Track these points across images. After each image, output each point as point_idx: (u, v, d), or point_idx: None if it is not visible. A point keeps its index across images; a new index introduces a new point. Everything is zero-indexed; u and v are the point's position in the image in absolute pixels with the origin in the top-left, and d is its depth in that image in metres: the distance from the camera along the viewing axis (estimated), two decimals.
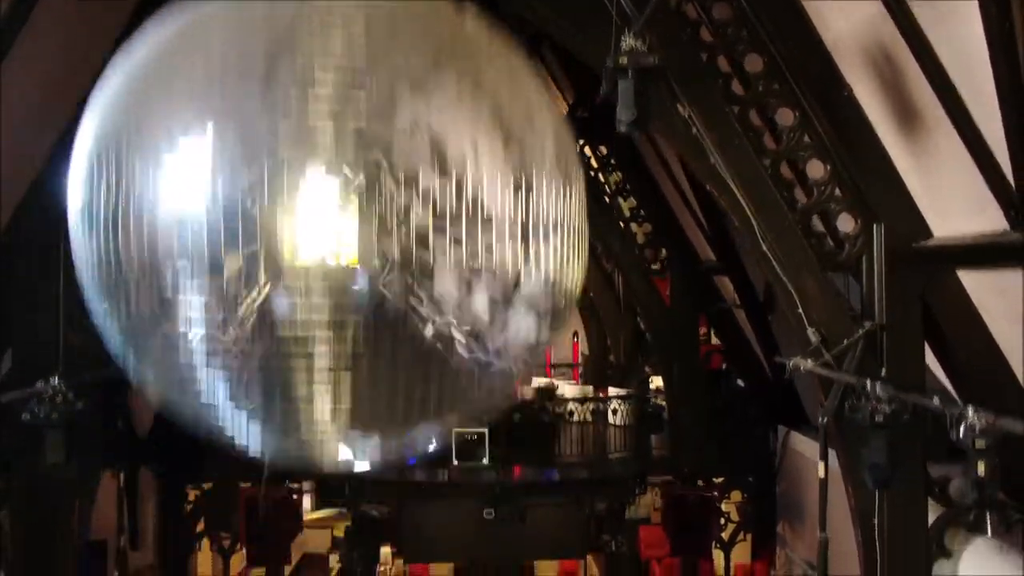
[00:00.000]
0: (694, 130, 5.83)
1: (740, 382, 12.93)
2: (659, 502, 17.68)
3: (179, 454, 11.72)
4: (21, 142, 5.62)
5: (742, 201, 5.90)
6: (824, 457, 6.26)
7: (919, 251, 5.88)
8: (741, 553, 15.51)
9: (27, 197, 5.81)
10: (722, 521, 12.11)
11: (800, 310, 5.96)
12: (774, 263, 5.93)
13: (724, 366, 13.82)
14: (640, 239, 12.22)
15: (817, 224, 6.22)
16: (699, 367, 12.22)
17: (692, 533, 11.13)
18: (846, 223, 6.16)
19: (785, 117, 6.00)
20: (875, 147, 5.92)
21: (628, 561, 17.39)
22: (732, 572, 13.53)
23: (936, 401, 5.63)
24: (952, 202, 5.66)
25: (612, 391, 14.04)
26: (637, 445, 12.39)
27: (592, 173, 12.16)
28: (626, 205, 12.34)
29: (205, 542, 12.30)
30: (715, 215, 10.58)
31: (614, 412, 13.19)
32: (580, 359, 22.39)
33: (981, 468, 3.75)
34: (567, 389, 15.40)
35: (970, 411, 3.88)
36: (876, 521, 6.03)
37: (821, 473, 6.17)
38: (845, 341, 5.89)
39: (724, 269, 11.15)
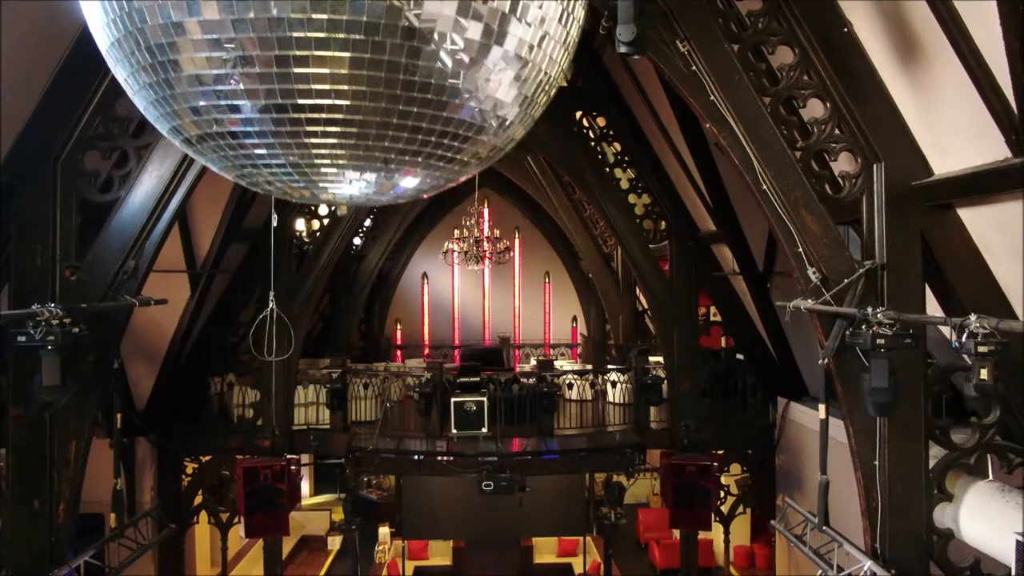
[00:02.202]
0: (694, 66, 5.81)
1: (739, 356, 12.89)
2: (658, 487, 17.69)
3: (177, 426, 11.72)
4: (17, 79, 5.60)
5: (742, 138, 5.88)
6: (825, 400, 6.25)
7: (919, 189, 5.86)
8: (740, 532, 15.53)
9: (23, 133, 5.78)
10: (721, 494, 12.04)
11: (800, 249, 5.94)
12: (774, 201, 5.91)
13: (724, 342, 13.80)
14: (639, 210, 12.20)
15: (818, 165, 6.22)
16: (698, 338, 12.17)
17: (691, 501, 11.05)
18: (847, 163, 6.14)
19: (785, 55, 5.98)
20: (876, 85, 5.91)
21: (628, 539, 17.41)
22: (731, 552, 13.48)
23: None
24: (952, 137, 5.64)
25: (611, 367, 14.03)
26: (636, 417, 12.35)
27: (591, 144, 12.14)
28: (625, 176, 12.32)
29: (203, 515, 12.23)
30: (715, 182, 10.57)
31: (613, 384, 13.17)
32: (579, 339, 22.39)
33: (983, 373, 3.72)
34: (566, 365, 15.38)
35: (973, 317, 3.85)
36: (876, 463, 6.01)
37: (822, 414, 6.16)
38: (846, 280, 5.87)
39: (723, 238, 11.12)
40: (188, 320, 11.00)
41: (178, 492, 11.86)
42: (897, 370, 4.98)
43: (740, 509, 12.45)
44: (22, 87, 5.61)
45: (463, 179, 2.06)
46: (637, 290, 17.72)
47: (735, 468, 12.52)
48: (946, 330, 6.27)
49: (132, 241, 5.87)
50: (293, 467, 11.45)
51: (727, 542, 12.49)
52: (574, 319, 23.04)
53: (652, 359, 13.68)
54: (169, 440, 11.60)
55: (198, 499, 12.05)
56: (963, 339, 3.87)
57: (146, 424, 11.18)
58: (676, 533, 14.19)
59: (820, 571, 6.29)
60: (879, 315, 4.88)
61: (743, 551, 15.94)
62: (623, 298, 18.25)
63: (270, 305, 3.92)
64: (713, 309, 15.55)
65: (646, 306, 16.60)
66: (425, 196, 2.22)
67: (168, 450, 11.72)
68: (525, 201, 21.64)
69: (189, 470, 12.03)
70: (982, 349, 3.75)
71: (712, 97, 5.89)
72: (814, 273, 5.92)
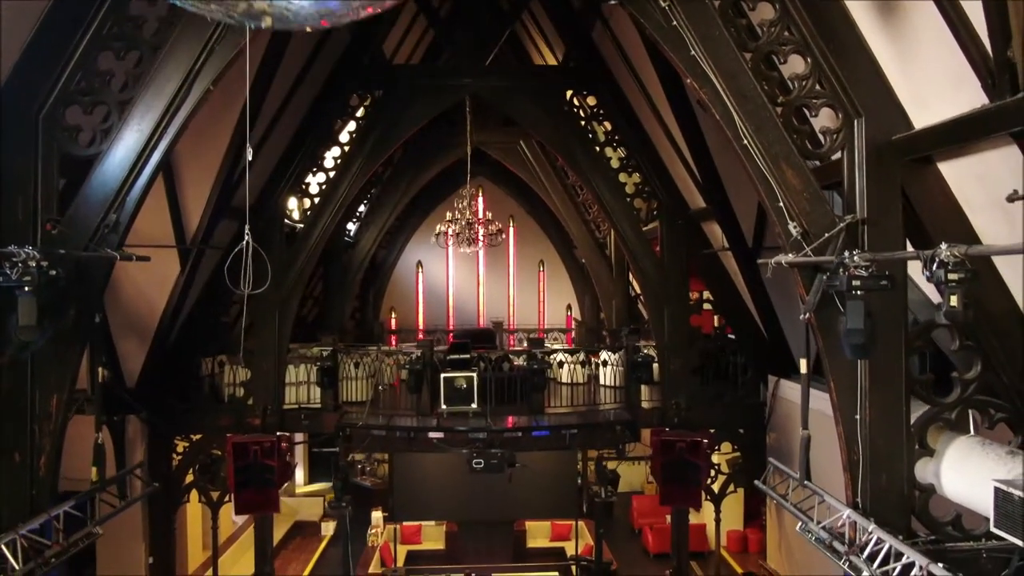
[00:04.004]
0: (674, 21, 5.83)
1: (731, 336, 12.90)
2: (651, 475, 17.72)
3: (167, 404, 11.71)
4: None
5: (723, 93, 5.90)
6: (807, 355, 6.25)
7: (899, 143, 5.88)
8: (734, 517, 15.54)
9: (5, 87, 5.79)
10: (712, 473, 12.04)
11: (781, 203, 5.95)
12: (755, 155, 5.92)
13: (716, 321, 13.80)
14: (630, 189, 12.21)
15: (799, 122, 6.23)
16: (689, 317, 12.18)
17: (682, 478, 11.04)
18: (828, 120, 6.16)
19: (765, 11, 6.00)
20: (856, 40, 5.92)
21: (621, 524, 17.46)
22: (722, 533, 13.45)
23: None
24: (932, 91, 5.65)
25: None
26: (627, 395, 12.35)
27: (581, 123, 12.16)
28: (615, 155, 12.33)
29: (193, 496, 12.21)
30: (705, 157, 10.58)
31: (604, 364, 13.17)
32: (574, 325, 22.45)
33: (954, 300, 3.74)
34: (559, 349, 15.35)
35: (943, 245, 3.87)
36: (858, 417, 6.02)
37: (803, 369, 6.17)
38: (827, 235, 5.88)
39: (713, 214, 11.13)
40: (178, 297, 10.99)
41: (168, 471, 11.83)
42: (873, 312, 5.00)
43: (731, 488, 12.44)
44: (3, 41, 5.62)
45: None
46: (630, 276, 17.73)
47: (726, 447, 12.53)
48: (922, 283, 6.29)
49: (113, 195, 5.87)
50: (284, 444, 11.45)
51: (718, 521, 12.47)
52: (569, 307, 23.07)
53: (644, 342, 13.69)
54: (160, 418, 11.58)
55: (189, 478, 12.03)
56: (934, 268, 3.89)
57: (137, 401, 11.16)
58: (669, 519, 14.21)
59: (800, 523, 6.30)
60: (855, 257, 4.89)
61: (736, 535, 15.95)
62: (616, 284, 18.27)
63: (246, 239, 3.93)
64: (706, 294, 15.56)
65: (639, 291, 16.61)
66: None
67: (158, 428, 11.70)
68: (520, 190, 21.66)
69: (180, 449, 12.01)
70: (952, 277, 3.77)
71: (693, 52, 5.92)
72: (795, 227, 5.93)
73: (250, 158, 4.55)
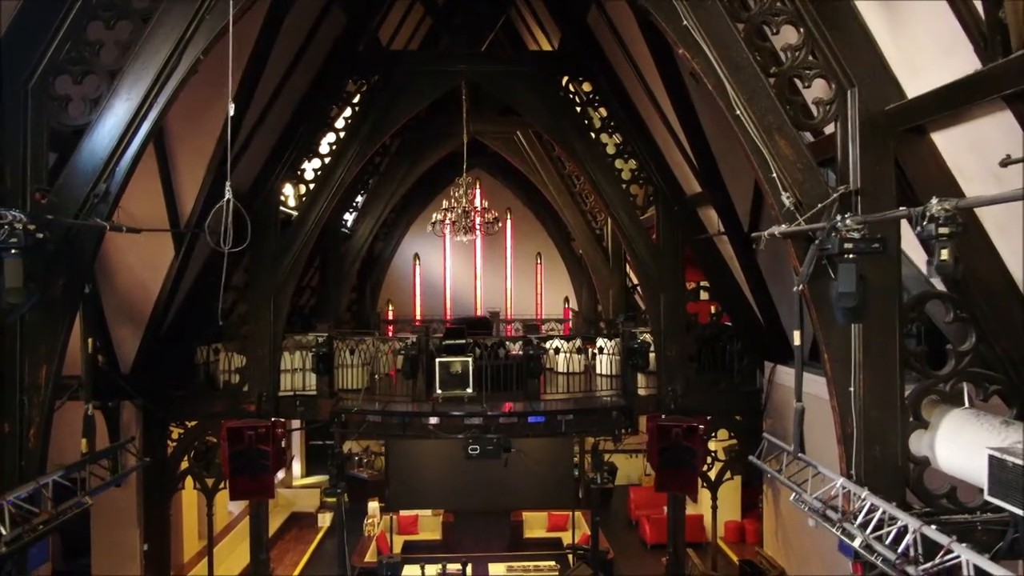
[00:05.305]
0: None
1: (727, 323, 12.87)
2: (648, 468, 17.72)
3: (162, 391, 11.66)
4: None
5: (715, 63, 5.87)
6: (800, 327, 6.23)
7: (893, 114, 5.85)
8: (731, 508, 15.52)
9: None
10: (709, 460, 12.00)
11: (774, 174, 5.92)
12: (747, 126, 5.89)
13: (712, 309, 13.79)
14: (626, 175, 12.18)
15: (792, 93, 6.21)
16: (685, 303, 12.16)
17: (678, 463, 10.99)
18: (821, 92, 6.13)
19: None
20: (849, 10, 5.91)
21: (619, 516, 17.44)
22: (719, 521, 13.41)
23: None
24: (925, 60, 5.62)
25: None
26: (623, 382, 12.32)
27: (576, 109, 12.13)
28: (611, 141, 12.31)
29: (188, 484, 12.16)
30: (700, 141, 10.55)
31: (600, 351, 13.14)
32: (571, 315, 22.45)
33: (944, 254, 3.72)
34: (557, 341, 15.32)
35: (933, 200, 3.84)
36: (852, 389, 5.99)
37: (796, 341, 6.14)
38: (820, 205, 5.86)
39: (709, 199, 11.10)
40: (172, 282, 10.93)
41: (164, 457, 11.79)
42: (867, 283, 4.97)
43: (727, 475, 12.40)
44: None
45: None
46: (627, 267, 17.71)
47: (722, 434, 12.50)
48: (916, 258, 6.27)
49: (103, 165, 5.85)
50: (279, 429, 11.39)
51: (715, 508, 12.43)
52: (566, 300, 23.06)
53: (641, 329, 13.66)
54: (154, 404, 11.54)
55: (184, 464, 11.98)
56: (924, 224, 3.87)
57: (131, 387, 11.11)
58: (667, 510, 14.17)
59: (793, 495, 6.27)
60: (847, 220, 4.87)
61: (733, 526, 15.95)
62: (613, 275, 18.26)
63: (226, 195, 3.90)
64: (702, 282, 15.54)
65: (636, 281, 16.59)
66: None
67: (154, 415, 11.64)
68: (517, 182, 21.65)
69: (175, 435, 11.97)
70: (942, 230, 3.75)
71: (685, 22, 5.90)
72: (788, 198, 5.91)
73: (231, 113, 4.49)
